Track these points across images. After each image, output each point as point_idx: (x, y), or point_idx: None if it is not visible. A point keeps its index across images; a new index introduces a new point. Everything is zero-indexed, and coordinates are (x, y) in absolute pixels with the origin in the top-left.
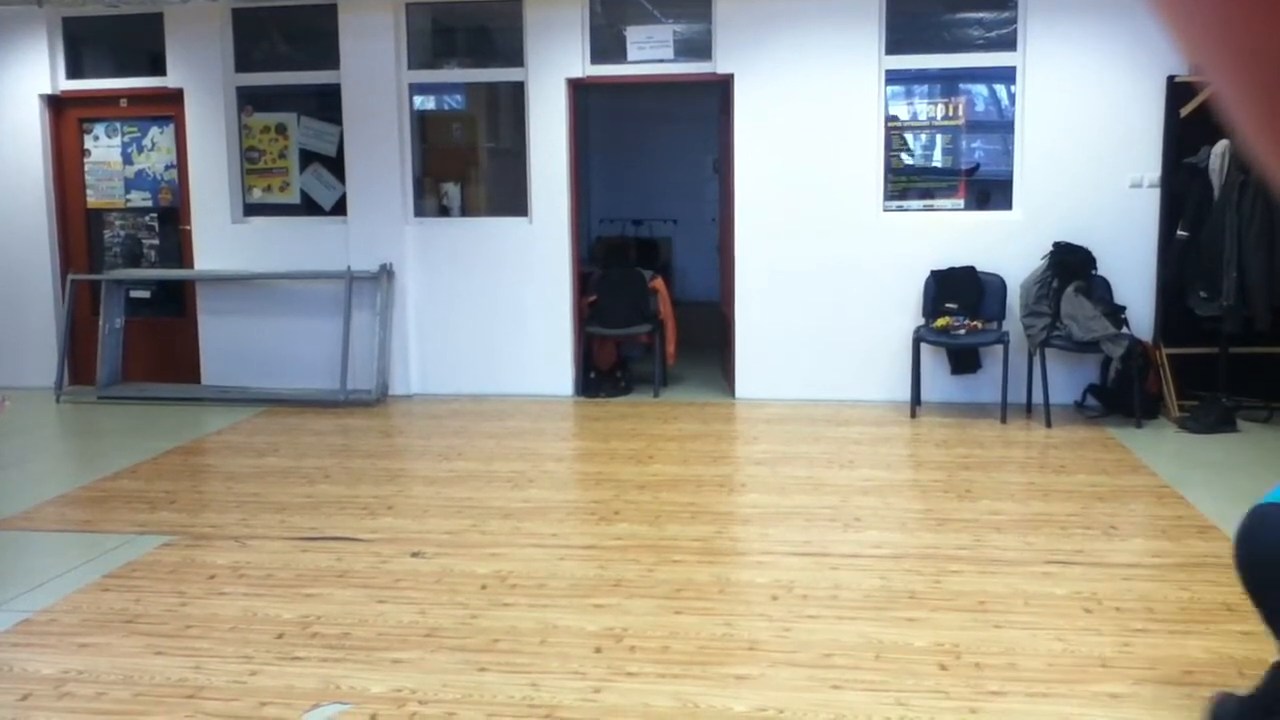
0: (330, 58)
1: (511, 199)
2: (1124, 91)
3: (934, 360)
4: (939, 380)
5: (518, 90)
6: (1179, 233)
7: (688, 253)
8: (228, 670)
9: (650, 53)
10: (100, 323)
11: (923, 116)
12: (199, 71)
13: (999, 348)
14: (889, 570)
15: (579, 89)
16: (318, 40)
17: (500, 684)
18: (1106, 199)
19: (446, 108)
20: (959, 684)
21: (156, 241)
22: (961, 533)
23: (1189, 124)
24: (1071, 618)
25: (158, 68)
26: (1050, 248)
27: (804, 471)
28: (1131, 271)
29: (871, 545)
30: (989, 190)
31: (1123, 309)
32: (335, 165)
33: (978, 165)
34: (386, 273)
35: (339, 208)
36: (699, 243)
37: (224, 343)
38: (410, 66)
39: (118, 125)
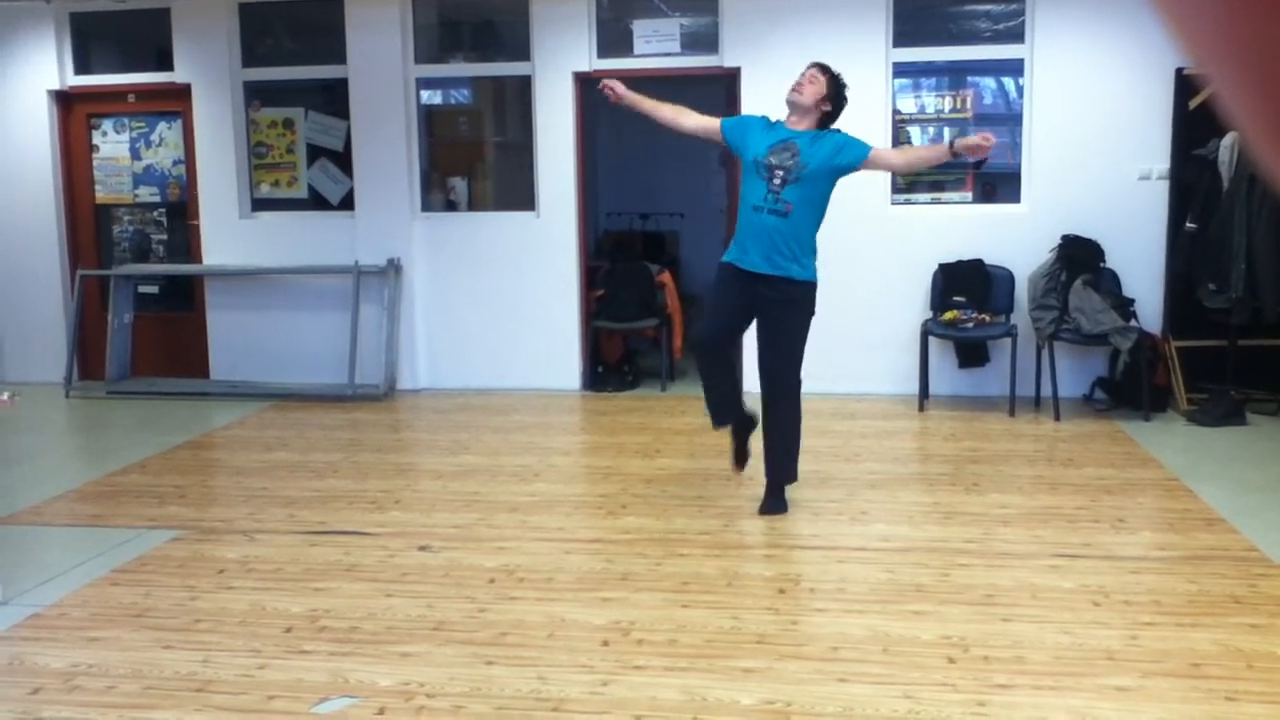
0: (337, 52)
1: (518, 193)
2: (1132, 84)
3: (942, 353)
4: (947, 373)
5: (524, 84)
6: (1188, 225)
7: (695, 246)
8: (236, 664)
9: (657, 46)
10: (109, 318)
11: (930, 109)
12: (206, 67)
13: (1007, 341)
14: (896, 563)
15: (586, 83)
16: (324, 35)
17: (508, 677)
18: (1115, 191)
19: (453, 102)
20: (966, 677)
21: (165, 237)
22: (969, 526)
23: (1198, 116)
24: (1079, 611)
25: (165, 63)
26: (1058, 240)
27: (811, 465)
28: (1140, 264)
29: (879, 538)
30: (995, 183)
31: (1131, 302)
32: (343, 160)
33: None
34: (394, 267)
35: (346, 202)
36: (706, 236)
37: (232, 337)
38: (417, 61)
39: (126, 121)
